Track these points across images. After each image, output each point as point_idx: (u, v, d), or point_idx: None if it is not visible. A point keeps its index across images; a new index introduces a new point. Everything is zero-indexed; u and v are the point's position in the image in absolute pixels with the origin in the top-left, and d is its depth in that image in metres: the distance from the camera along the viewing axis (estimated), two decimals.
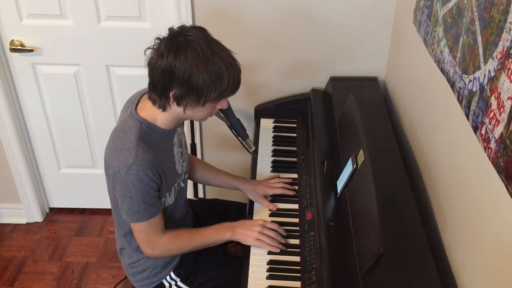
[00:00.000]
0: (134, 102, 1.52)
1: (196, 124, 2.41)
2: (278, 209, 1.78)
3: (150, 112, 1.47)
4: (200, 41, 1.33)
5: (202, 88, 1.34)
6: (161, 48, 1.34)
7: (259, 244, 1.60)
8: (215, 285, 1.73)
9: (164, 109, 1.44)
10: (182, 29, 1.37)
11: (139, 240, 1.56)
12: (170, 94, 1.37)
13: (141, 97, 1.53)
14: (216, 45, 1.37)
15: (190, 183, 2.08)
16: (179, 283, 1.72)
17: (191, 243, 1.62)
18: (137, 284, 1.74)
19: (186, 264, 1.73)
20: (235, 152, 2.51)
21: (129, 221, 1.51)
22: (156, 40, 1.38)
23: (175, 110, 1.44)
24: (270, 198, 1.83)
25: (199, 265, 1.74)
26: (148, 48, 1.39)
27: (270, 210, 1.77)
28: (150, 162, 1.41)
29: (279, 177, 1.89)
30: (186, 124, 2.34)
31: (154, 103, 1.44)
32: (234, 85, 1.40)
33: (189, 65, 1.31)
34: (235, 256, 1.83)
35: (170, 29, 1.37)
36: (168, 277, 1.72)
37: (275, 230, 1.64)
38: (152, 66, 1.37)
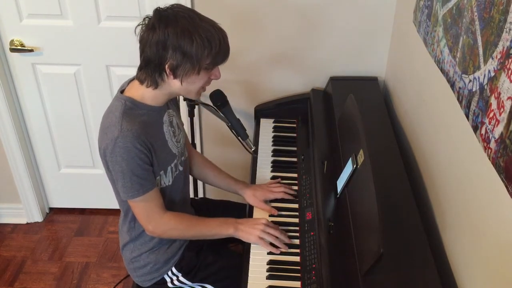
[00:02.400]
0: (122, 88, 1.56)
1: (196, 124, 2.41)
2: (278, 209, 1.77)
3: (136, 91, 1.50)
4: (185, 11, 1.42)
5: (196, 53, 1.38)
6: (151, 22, 1.40)
7: (261, 243, 1.60)
8: (216, 280, 1.74)
9: (156, 85, 1.47)
10: (166, 6, 1.44)
11: (139, 217, 1.57)
12: (166, 66, 1.40)
13: (128, 83, 1.57)
14: (199, 13, 1.45)
15: (190, 182, 2.08)
16: (181, 278, 1.73)
17: (193, 229, 1.63)
18: (138, 280, 1.74)
19: (187, 259, 1.73)
20: (235, 152, 2.51)
21: (125, 198, 1.52)
22: (145, 19, 1.42)
23: (169, 84, 1.46)
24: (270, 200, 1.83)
25: (201, 260, 1.74)
26: (138, 25, 1.43)
27: (271, 215, 1.76)
28: (136, 133, 1.43)
29: (280, 181, 1.89)
30: (186, 124, 2.34)
31: (142, 82, 1.47)
32: (224, 49, 1.45)
33: (181, 30, 1.37)
34: (236, 252, 1.83)
35: (156, 9, 1.43)
36: (169, 272, 1.72)
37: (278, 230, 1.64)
38: (144, 41, 1.41)
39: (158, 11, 1.41)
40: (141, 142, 1.44)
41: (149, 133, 1.49)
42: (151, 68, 1.43)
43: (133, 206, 1.55)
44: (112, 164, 1.46)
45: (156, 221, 1.57)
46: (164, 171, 1.58)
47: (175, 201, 1.68)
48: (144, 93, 1.50)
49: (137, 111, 1.49)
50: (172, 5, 1.44)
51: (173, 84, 1.46)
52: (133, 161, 1.44)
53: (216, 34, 1.41)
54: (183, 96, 1.93)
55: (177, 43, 1.37)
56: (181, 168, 1.68)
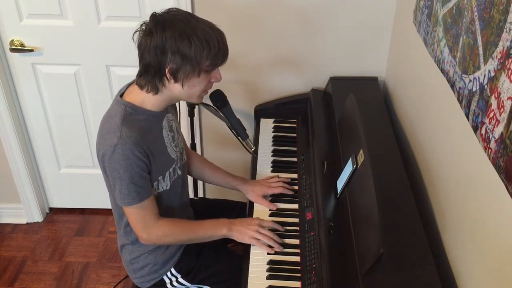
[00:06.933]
0: (121, 92, 1.56)
1: (196, 124, 2.40)
2: (278, 209, 1.77)
3: (137, 96, 1.50)
4: (182, 14, 1.43)
5: (195, 55, 1.38)
6: (148, 27, 1.40)
7: (255, 243, 1.61)
8: (216, 281, 1.74)
9: (157, 91, 1.47)
10: (163, 11, 1.44)
11: (133, 224, 1.56)
12: (166, 71, 1.41)
13: (127, 87, 1.56)
14: (195, 16, 1.45)
15: (190, 183, 2.08)
16: (180, 279, 1.73)
17: (187, 234, 1.63)
18: (138, 281, 1.74)
19: (187, 260, 1.73)
20: (235, 152, 2.51)
21: (121, 204, 1.52)
22: (142, 25, 1.42)
23: (170, 89, 1.46)
24: (270, 198, 1.83)
25: (200, 261, 1.74)
26: (136, 31, 1.43)
27: (270, 210, 1.77)
28: (136, 140, 1.43)
29: (278, 177, 1.89)
30: (186, 124, 2.34)
31: (142, 87, 1.47)
32: (223, 50, 1.45)
33: (178, 33, 1.37)
34: (236, 253, 1.83)
35: (152, 14, 1.43)
36: (168, 273, 1.72)
37: (272, 230, 1.64)
38: (143, 47, 1.41)
39: (154, 16, 1.41)
40: (140, 149, 1.44)
41: (149, 139, 1.49)
42: (151, 73, 1.43)
43: (128, 212, 1.55)
44: (110, 170, 1.46)
45: (150, 229, 1.56)
46: (162, 176, 1.58)
47: (174, 206, 1.68)
48: (144, 98, 1.49)
49: (137, 116, 1.48)
50: (169, 9, 1.44)
51: (174, 89, 1.46)
52: (131, 168, 1.44)
53: (214, 35, 1.41)
54: (185, 101, 1.93)
55: (176, 46, 1.37)
56: (179, 172, 1.68)
